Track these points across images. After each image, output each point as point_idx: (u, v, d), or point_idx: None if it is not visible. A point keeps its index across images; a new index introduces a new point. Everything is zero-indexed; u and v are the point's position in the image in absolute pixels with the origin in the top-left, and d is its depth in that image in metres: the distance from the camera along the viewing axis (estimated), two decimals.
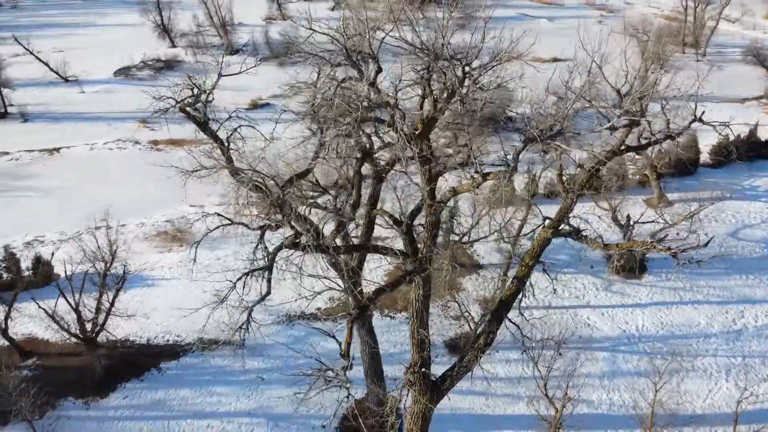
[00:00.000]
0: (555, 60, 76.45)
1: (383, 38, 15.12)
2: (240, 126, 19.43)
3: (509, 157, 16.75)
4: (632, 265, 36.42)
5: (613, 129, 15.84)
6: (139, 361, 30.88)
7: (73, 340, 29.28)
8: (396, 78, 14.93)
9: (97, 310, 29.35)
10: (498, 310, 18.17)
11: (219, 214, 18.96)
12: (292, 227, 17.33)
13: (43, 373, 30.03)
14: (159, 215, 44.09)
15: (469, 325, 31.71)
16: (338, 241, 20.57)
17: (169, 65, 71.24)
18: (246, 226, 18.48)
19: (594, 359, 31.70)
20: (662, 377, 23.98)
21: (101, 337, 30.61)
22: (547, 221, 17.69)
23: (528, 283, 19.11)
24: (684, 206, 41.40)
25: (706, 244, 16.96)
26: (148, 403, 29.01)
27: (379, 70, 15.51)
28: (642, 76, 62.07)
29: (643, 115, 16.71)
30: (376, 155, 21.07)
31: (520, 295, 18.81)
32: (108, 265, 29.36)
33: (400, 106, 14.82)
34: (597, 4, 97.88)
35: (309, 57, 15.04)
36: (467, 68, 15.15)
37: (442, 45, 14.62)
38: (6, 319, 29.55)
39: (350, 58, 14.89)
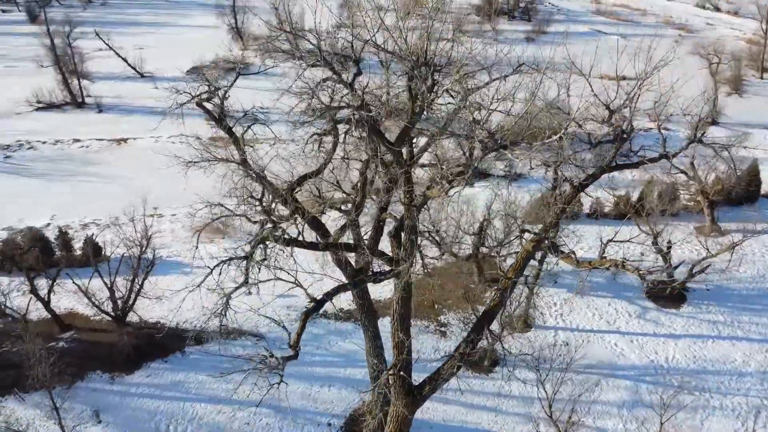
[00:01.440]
0: (623, 78, 74.43)
1: (366, 42, 15.46)
2: (253, 123, 20.28)
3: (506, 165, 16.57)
4: (669, 292, 35.07)
5: (595, 144, 15.49)
6: (166, 343, 32.22)
7: (105, 317, 31.02)
8: (379, 83, 15.27)
9: (130, 291, 31.00)
10: (480, 321, 18.05)
11: (221, 205, 19.88)
12: (271, 219, 17.91)
13: (78, 345, 32.00)
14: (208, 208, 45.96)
15: (487, 339, 31.34)
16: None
17: (237, 67, 74.00)
18: (247, 218, 19.27)
19: (616, 387, 30.65)
20: (667, 410, 22.97)
21: (134, 318, 32.32)
22: (529, 236, 17.46)
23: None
24: (736, 237, 39.36)
25: (675, 268, 16.26)
26: (169, 383, 30.35)
27: (359, 73, 15.90)
28: (713, 99, 59.46)
29: (628, 132, 16.21)
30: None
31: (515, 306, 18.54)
32: (142, 250, 30.97)
33: (371, 109, 15.09)
34: (676, 24, 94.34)
35: (287, 57, 15.67)
36: (435, 76, 15.22)
37: (424, 53, 14.78)
38: (48, 292, 31.66)
39: (324, 59, 15.37)
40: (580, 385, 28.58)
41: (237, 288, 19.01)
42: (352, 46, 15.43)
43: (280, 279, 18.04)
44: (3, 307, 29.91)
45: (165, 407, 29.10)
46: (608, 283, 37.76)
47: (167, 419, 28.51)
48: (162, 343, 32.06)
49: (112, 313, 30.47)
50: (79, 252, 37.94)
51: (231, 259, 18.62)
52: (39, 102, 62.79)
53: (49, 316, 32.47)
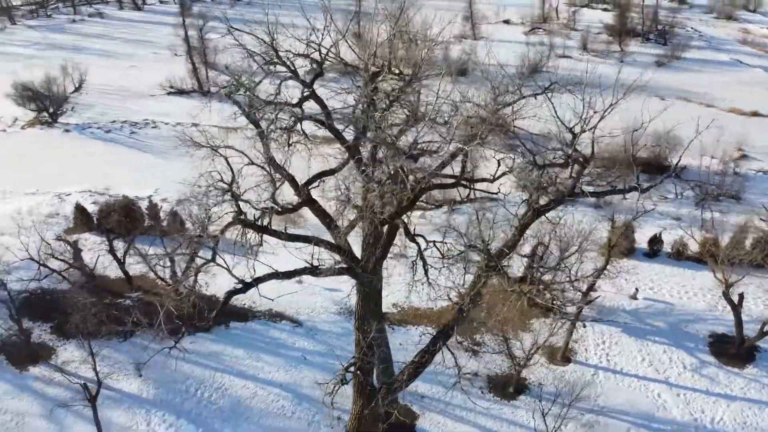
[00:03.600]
0: (754, 114, 68.37)
1: (330, 47, 16.03)
2: (275, 117, 21.67)
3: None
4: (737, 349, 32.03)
5: (542, 166, 14.87)
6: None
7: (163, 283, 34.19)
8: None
9: (188, 264, 33.81)
10: (436, 336, 17.97)
11: (224, 191, 21.42)
12: (238, 205, 19.09)
13: (141, 305, 35.38)
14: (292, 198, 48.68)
15: (515, 365, 30.46)
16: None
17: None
18: (251, 205, 20.65)
19: None
20: None
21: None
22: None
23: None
24: None
25: (588, 303, 15.11)
26: (207, 352, 32.81)
27: (320, 74, 16.58)
28: None
29: (582, 158, 15.33)
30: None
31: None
32: (202, 228, 33.65)
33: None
34: None
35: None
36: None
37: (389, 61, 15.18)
38: (124, 254, 35.43)
39: (279, 57, 16.19)
40: (604, 428, 27.22)
41: (205, 263, 20.59)
42: (320, 49, 16.20)
43: (215, 263, 19.55)
44: (80, 261, 33.93)
45: (198, 373, 31.54)
46: (670, 329, 35.18)
47: (197, 384, 30.89)
48: (209, 315, 34.68)
49: (169, 281, 33.42)
50: (164, 223, 41.82)
51: (200, 236, 20.17)
52: (171, 87, 69.51)
53: (123, 276, 36.28)
